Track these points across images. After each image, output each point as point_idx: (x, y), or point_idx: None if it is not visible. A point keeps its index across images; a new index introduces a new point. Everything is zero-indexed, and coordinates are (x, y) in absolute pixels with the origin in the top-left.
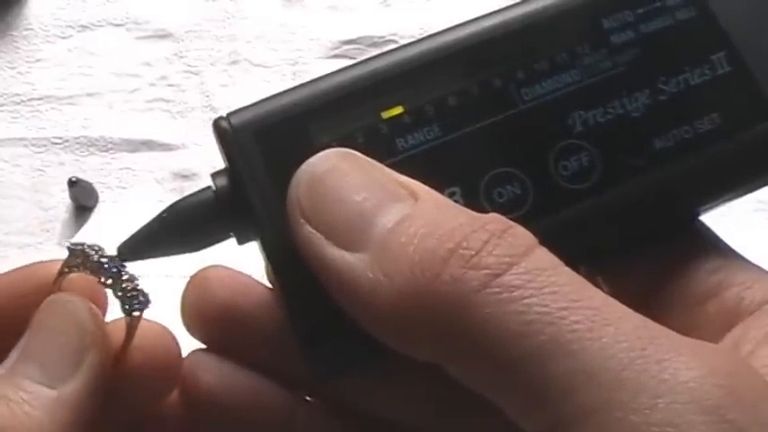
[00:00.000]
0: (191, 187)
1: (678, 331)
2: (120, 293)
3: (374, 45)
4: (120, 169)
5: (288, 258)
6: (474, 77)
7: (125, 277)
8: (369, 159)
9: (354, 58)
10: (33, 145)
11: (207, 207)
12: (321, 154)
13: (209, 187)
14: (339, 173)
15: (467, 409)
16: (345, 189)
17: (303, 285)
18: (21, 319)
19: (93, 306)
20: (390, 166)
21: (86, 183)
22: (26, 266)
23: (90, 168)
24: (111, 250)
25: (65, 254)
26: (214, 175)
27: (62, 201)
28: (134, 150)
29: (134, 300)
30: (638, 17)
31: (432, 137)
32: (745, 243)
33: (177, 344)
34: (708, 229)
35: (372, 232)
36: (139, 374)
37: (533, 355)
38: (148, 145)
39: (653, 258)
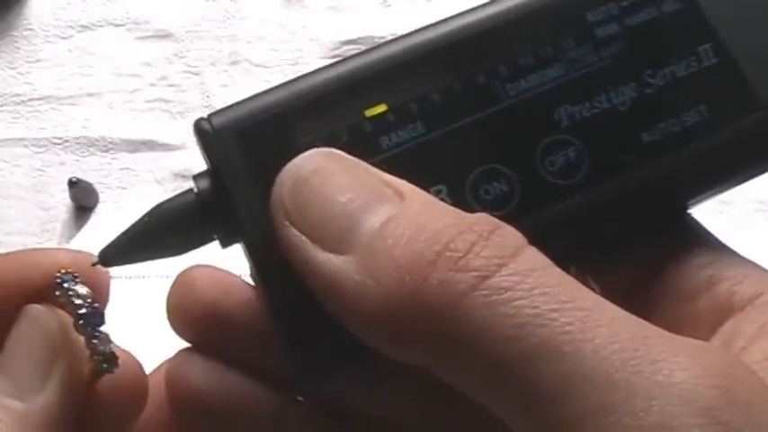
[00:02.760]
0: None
1: (669, 327)
2: (90, 348)
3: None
4: (121, 169)
5: (273, 261)
6: (458, 74)
7: (100, 336)
8: (354, 159)
9: None
10: (33, 145)
11: (189, 210)
12: (305, 154)
13: (191, 189)
14: (323, 174)
15: (455, 406)
16: (330, 190)
17: (289, 288)
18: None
19: (65, 317)
20: (375, 164)
21: (87, 183)
22: (27, 253)
23: (90, 168)
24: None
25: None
26: (196, 177)
27: (62, 201)
28: (134, 150)
29: (102, 363)
30: (623, 10)
31: (416, 134)
32: (745, 243)
33: (143, 369)
34: (698, 224)
35: (358, 234)
36: (106, 401)
37: (525, 357)
38: (149, 145)
39: (643, 254)
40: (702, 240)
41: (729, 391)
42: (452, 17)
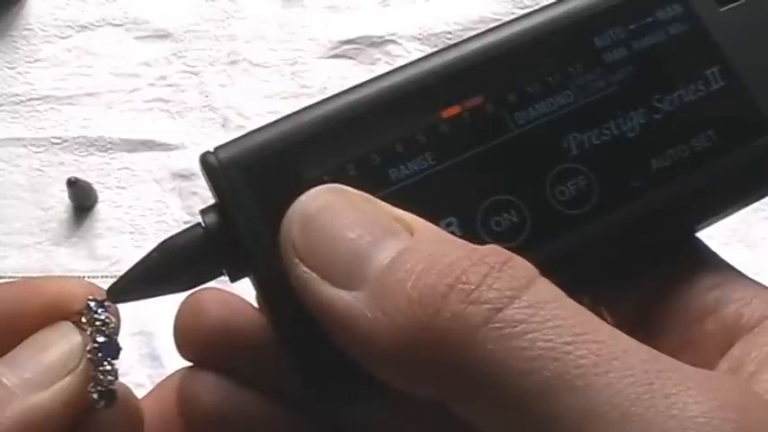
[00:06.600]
0: (189, 187)
1: (677, 349)
2: (93, 376)
3: (373, 45)
4: (119, 169)
5: (283, 295)
6: (465, 103)
7: (109, 369)
8: (362, 194)
9: (353, 58)
10: (32, 145)
11: (197, 245)
12: (312, 191)
13: (198, 224)
14: (331, 210)
15: None
16: (339, 227)
17: (299, 323)
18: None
19: (88, 349)
20: (384, 198)
21: (85, 183)
22: (34, 282)
23: (89, 168)
24: (110, 250)
25: (64, 254)
26: (203, 212)
27: (61, 201)
28: (133, 150)
29: (102, 396)
30: (630, 34)
31: (425, 166)
32: (744, 244)
33: (137, 402)
34: (704, 246)
35: (369, 270)
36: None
37: (538, 391)
38: (147, 145)
39: (650, 276)
40: (709, 262)
41: (744, 424)
42: (455, 45)
